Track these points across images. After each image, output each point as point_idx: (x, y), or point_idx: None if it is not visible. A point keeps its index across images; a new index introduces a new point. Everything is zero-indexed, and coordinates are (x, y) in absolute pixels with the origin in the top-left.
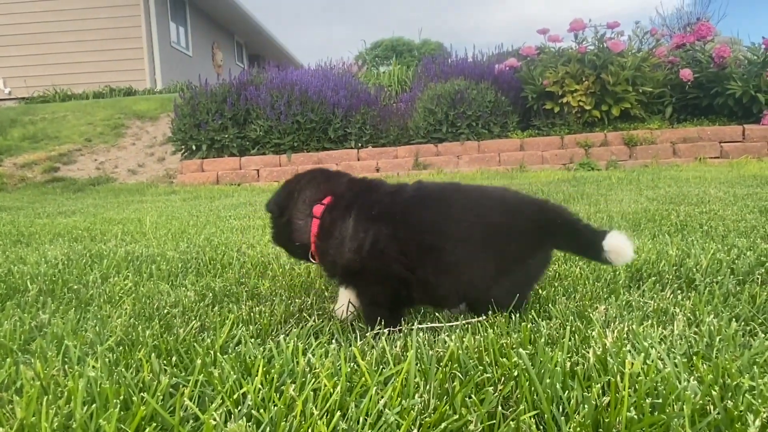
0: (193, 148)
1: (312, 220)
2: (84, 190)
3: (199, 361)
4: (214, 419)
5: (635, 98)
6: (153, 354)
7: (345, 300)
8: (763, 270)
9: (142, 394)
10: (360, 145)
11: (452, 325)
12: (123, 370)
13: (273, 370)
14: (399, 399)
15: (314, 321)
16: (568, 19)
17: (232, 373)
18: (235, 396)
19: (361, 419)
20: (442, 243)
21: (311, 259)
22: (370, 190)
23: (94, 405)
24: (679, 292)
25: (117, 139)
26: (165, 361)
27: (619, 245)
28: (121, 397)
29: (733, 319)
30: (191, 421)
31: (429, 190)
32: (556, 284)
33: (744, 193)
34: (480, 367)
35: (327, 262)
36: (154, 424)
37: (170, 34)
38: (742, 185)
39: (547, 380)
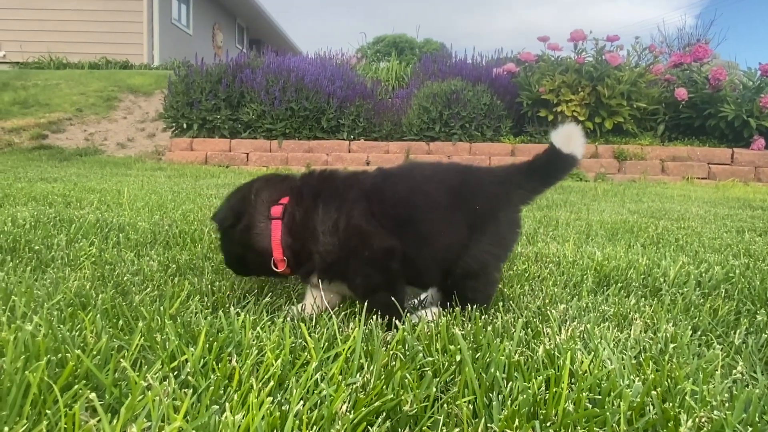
0: (184, 126)
1: (271, 223)
2: (70, 160)
3: (141, 324)
4: (147, 381)
5: (629, 113)
6: (98, 315)
7: (310, 299)
8: (729, 285)
9: (78, 352)
10: (352, 137)
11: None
12: (63, 327)
13: (218, 341)
14: (341, 376)
15: (270, 298)
16: (570, 30)
17: (174, 339)
18: (175, 362)
19: (295, 392)
20: (416, 214)
21: (274, 269)
22: (332, 177)
23: (23, 358)
24: (642, 299)
25: (108, 112)
26: (110, 324)
27: (565, 132)
28: (59, 355)
29: (690, 329)
30: (125, 383)
31: (391, 169)
32: (524, 282)
33: (725, 213)
34: (427, 353)
35: (303, 259)
36: (84, 382)
37: (172, 10)
38: (724, 206)
39: (492, 369)
